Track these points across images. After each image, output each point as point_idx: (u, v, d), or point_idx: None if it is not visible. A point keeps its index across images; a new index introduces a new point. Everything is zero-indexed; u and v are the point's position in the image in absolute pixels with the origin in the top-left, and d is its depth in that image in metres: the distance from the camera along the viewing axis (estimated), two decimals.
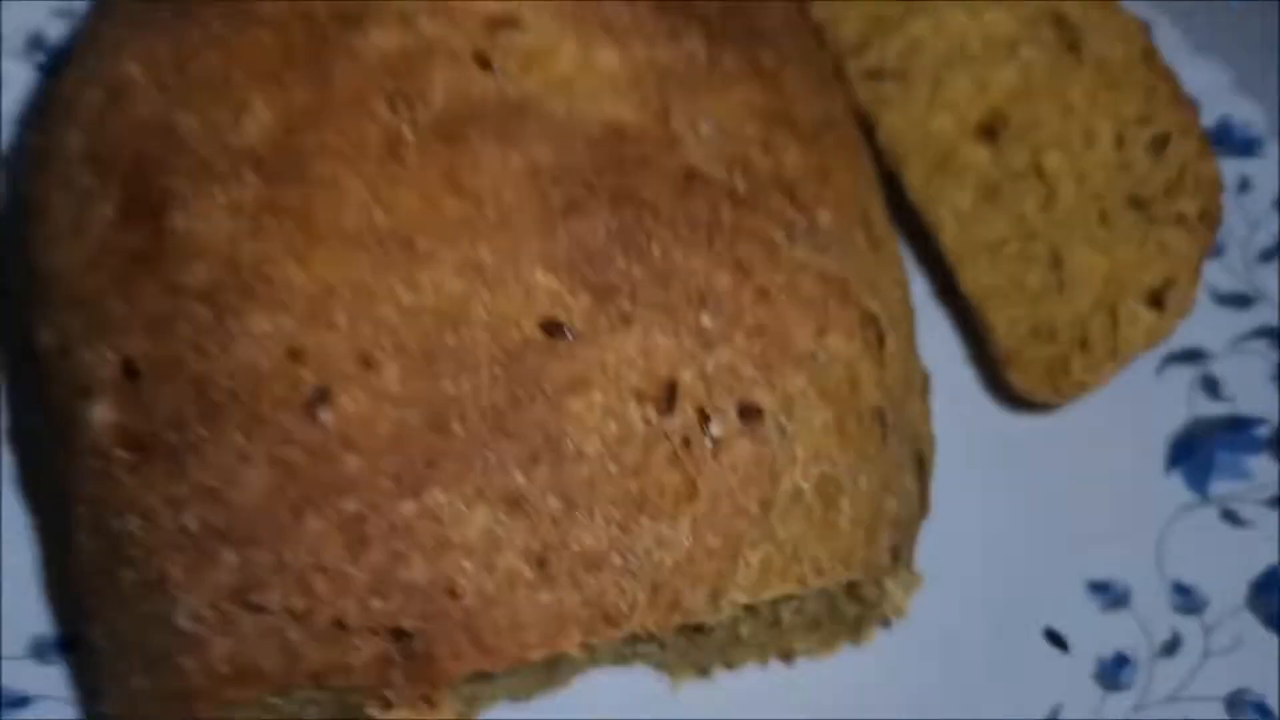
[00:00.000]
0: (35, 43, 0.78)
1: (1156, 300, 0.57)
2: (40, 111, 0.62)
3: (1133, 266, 0.57)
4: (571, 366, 0.45)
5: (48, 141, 0.56)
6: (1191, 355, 0.66)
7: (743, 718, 0.56)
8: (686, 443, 0.45)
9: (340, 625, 0.41)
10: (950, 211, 0.63)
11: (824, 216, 0.55)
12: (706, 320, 0.48)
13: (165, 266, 0.47)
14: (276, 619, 0.42)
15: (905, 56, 0.67)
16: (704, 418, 0.46)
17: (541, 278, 0.46)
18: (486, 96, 0.50)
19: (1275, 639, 0.55)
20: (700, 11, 0.57)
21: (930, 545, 0.56)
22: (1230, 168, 0.73)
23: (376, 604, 0.41)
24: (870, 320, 0.54)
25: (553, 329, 0.45)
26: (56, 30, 0.79)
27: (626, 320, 0.46)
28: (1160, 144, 0.59)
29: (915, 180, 0.64)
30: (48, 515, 0.58)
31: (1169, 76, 0.61)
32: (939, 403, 0.60)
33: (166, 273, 0.47)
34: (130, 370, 0.46)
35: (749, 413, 0.47)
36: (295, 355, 0.44)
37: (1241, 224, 0.71)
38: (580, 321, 0.46)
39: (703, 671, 0.56)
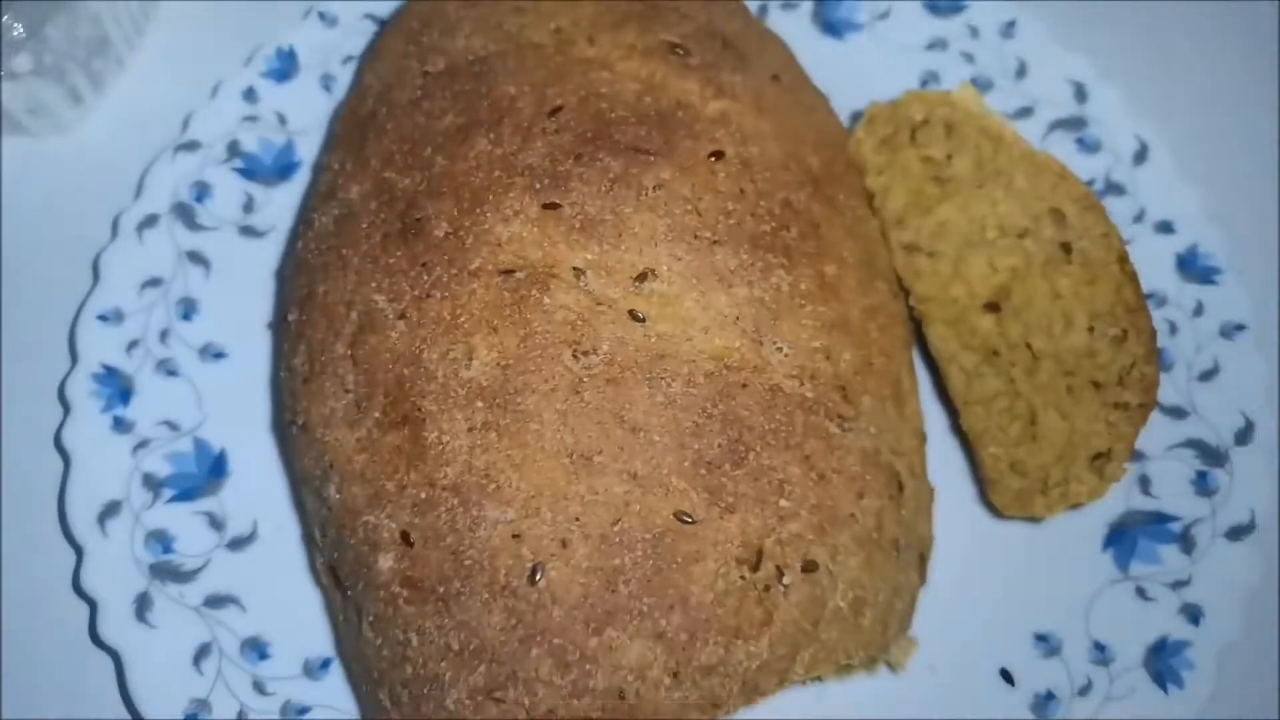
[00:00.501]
0: (233, 149, 0.99)
1: (1098, 463, 0.79)
2: (291, 296, 0.84)
3: (1085, 434, 0.80)
4: (695, 543, 0.69)
5: (314, 338, 0.78)
6: (1135, 456, 0.89)
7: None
8: (767, 588, 0.70)
9: (553, 714, 0.68)
10: (958, 367, 0.85)
11: (866, 402, 0.77)
12: (784, 503, 0.72)
13: (424, 465, 0.71)
14: (511, 708, 0.68)
15: (936, 235, 0.87)
16: (779, 573, 0.71)
17: (675, 482, 0.70)
18: (637, 344, 0.72)
19: (1159, 691, 0.81)
20: (783, 241, 0.78)
21: (921, 604, 0.82)
22: (1189, 292, 0.94)
23: (574, 702, 0.68)
24: (894, 476, 0.77)
25: (682, 516, 0.70)
26: (250, 137, 0.99)
27: (731, 510, 0.70)
28: (1120, 340, 0.80)
29: (935, 338, 0.86)
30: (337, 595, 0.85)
31: (1136, 282, 0.81)
32: (941, 506, 0.84)
33: (426, 470, 0.71)
34: (406, 538, 0.71)
35: (809, 567, 0.71)
36: (517, 537, 0.69)
37: (1190, 345, 0.92)
38: (699, 512, 0.70)
39: None
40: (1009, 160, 0.85)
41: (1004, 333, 0.84)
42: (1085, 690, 0.82)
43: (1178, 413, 0.90)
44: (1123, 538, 0.86)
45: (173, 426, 0.88)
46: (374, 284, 0.76)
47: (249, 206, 0.97)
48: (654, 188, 0.76)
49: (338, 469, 0.74)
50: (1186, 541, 0.85)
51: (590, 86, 0.80)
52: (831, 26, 1.08)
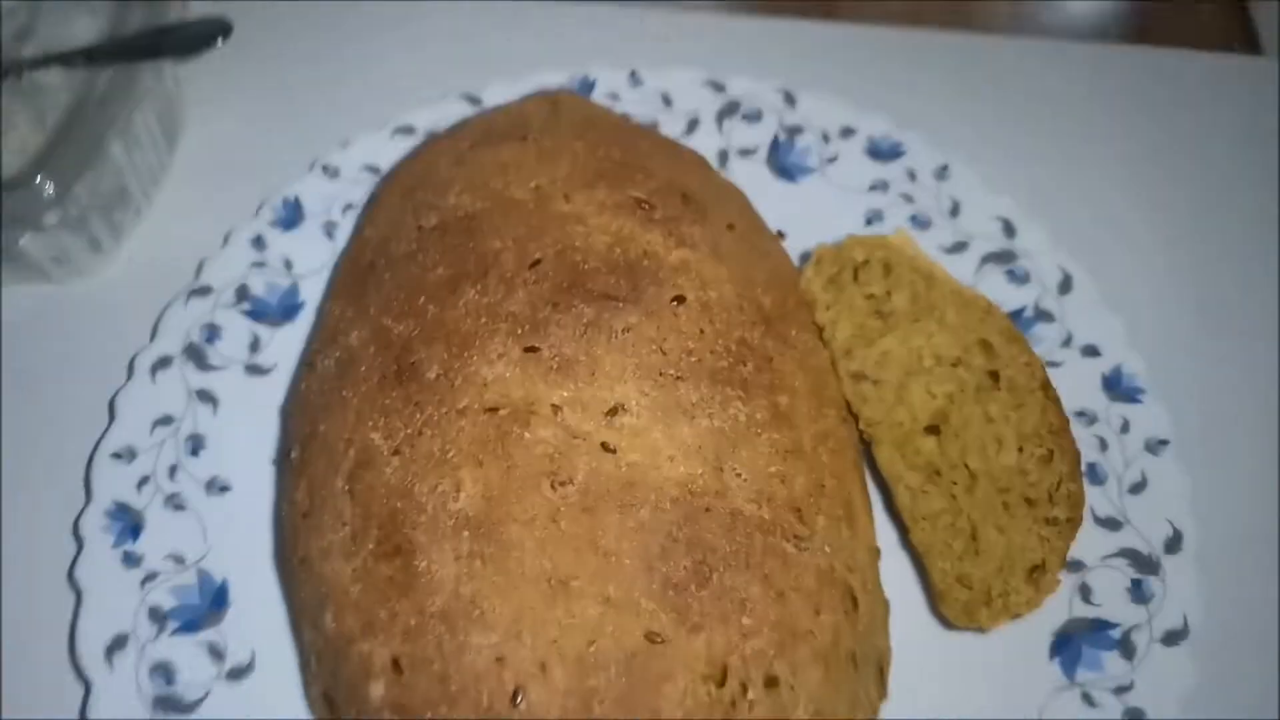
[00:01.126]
0: (242, 293, 1.07)
1: (1035, 575, 0.87)
2: (294, 434, 0.91)
3: (1021, 548, 0.87)
4: (664, 662, 0.76)
5: (315, 473, 0.86)
6: (1075, 565, 0.96)
7: None
8: (733, 704, 0.76)
9: None
10: (905, 486, 0.93)
11: (820, 522, 0.85)
12: (746, 620, 0.78)
13: (415, 594, 0.77)
14: None
15: (879, 365, 0.95)
16: (744, 688, 0.77)
17: (645, 604, 0.77)
18: (610, 474, 0.80)
19: None
20: (740, 375, 0.87)
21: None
22: (1116, 410, 1.03)
23: None
24: (848, 592, 0.84)
25: (653, 637, 0.76)
26: (258, 281, 1.08)
27: (697, 629, 0.77)
28: (1046, 460, 0.89)
29: (883, 459, 0.94)
30: None
31: (1058, 405, 0.89)
32: (897, 619, 0.90)
33: (416, 598, 0.77)
34: (397, 665, 0.77)
35: (770, 683, 0.77)
36: (500, 661, 0.75)
37: (1119, 461, 1.01)
38: (669, 632, 0.76)
39: None
40: (941, 296, 0.95)
41: (944, 453, 0.92)
42: None
43: (1112, 524, 0.97)
44: (1068, 645, 0.92)
45: (178, 560, 0.93)
46: (371, 423, 0.84)
47: (255, 346, 1.05)
48: (623, 330, 0.84)
49: (334, 599, 0.80)
50: (1126, 647, 0.91)
51: (566, 240, 0.89)
52: (785, 171, 1.19)
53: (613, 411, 0.82)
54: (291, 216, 1.12)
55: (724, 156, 1.19)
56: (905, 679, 0.89)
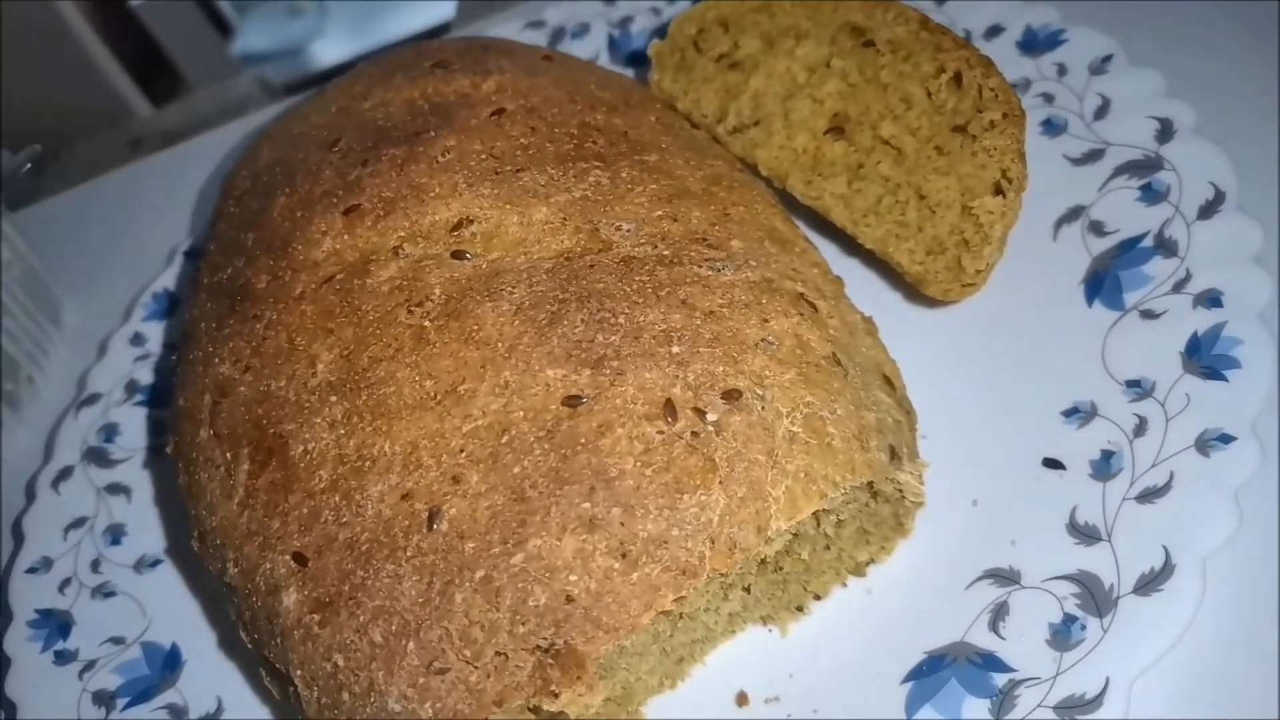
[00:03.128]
0: (131, 388, 1.00)
1: (1000, 191, 0.72)
2: (171, 428, 0.82)
3: (974, 175, 0.73)
4: (594, 419, 0.61)
5: (185, 444, 0.75)
6: (1073, 213, 0.80)
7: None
8: (695, 434, 0.61)
9: (502, 655, 0.57)
10: (833, 197, 0.79)
11: (735, 245, 0.71)
12: (675, 349, 0.64)
13: (299, 482, 0.65)
14: (457, 672, 0.57)
15: (755, 107, 0.85)
16: (699, 413, 0.61)
17: (551, 373, 0.63)
18: (469, 275, 0.68)
19: (1214, 383, 0.67)
20: (592, 149, 0.76)
21: (935, 432, 0.70)
22: (1046, 62, 0.89)
23: (520, 629, 0.57)
24: (798, 298, 0.69)
25: (572, 401, 0.62)
26: (144, 373, 1.01)
27: (620, 374, 0.63)
28: (956, 81, 0.76)
29: (799, 187, 0.81)
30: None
31: (945, 30, 0.77)
32: (888, 333, 0.74)
33: (302, 486, 0.65)
34: (300, 559, 0.63)
35: (730, 395, 0.62)
36: (407, 497, 0.61)
37: (1071, 97, 0.86)
38: (589, 389, 0.62)
39: (799, 609, 0.70)
40: (785, 15, 0.85)
41: (857, 145, 0.79)
42: (1141, 429, 0.68)
43: (1093, 155, 0.82)
44: (1102, 283, 0.76)
45: (118, 641, 0.84)
46: (218, 359, 0.74)
47: (156, 430, 0.97)
48: (442, 154, 0.76)
49: (230, 544, 0.68)
50: (1165, 246, 0.75)
51: (366, 117, 0.82)
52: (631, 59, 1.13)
53: (459, 225, 0.72)
54: (162, 306, 1.07)
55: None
56: (931, 389, 0.72)
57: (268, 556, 0.65)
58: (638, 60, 1.12)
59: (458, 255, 0.70)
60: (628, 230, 0.70)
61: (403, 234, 0.72)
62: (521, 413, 0.62)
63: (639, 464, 0.60)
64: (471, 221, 0.72)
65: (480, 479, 0.60)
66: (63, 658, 0.82)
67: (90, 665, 0.82)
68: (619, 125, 0.80)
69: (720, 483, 0.59)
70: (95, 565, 0.89)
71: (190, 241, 1.12)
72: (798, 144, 0.82)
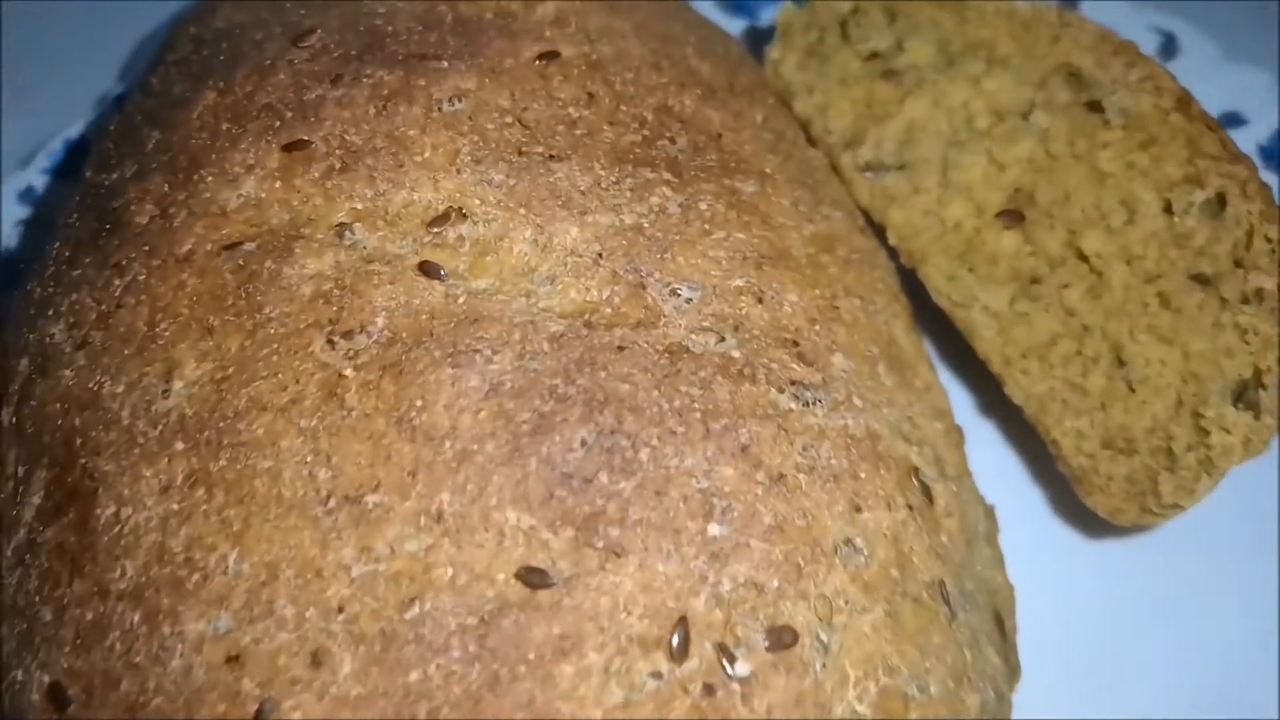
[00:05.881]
0: None
1: (1247, 397, 0.48)
2: None
3: (1210, 358, 0.49)
4: (558, 623, 0.38)
5: None
6: None
7: None
8: (709, 691, 0.38)
9: None
10: (985, 313, 0.55)
11: (838, 361, 0.47)
12: (714, 529, 0.41)
13: (94, 565, 0.42)
14: None
15: (904, 144, 0.60)
16: (725, 655, 0.38)
17: (513, 517, 0.40)
18: (434, 310, 0.44)
19: None
20: (666, 152, 0.51)
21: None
22: None
23: None
24: (911, 474, 0.46)
25: (532, 578, 0.39)
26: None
27: (618, 551, 0.39)
28: (1216, 207, 0.51)
29: (938, 281, 0.57)
30: None
31: (1212, 123, 0.52)
32: (1008, 536, 0.51)
33: (95, 572, 0.41)
34: (56, 696, 0.40)
35: (780, 636, 0.39)
36: (234, 661, 0.38)
37: None
38: (564, 563, 0.39)
39: None
40: (981, 25, 0.59)
41: (1038, 247, 0.55)
42: None
43: None
44: None
45: None
46: (51, 312, 0.50)
47: None
48: (451, 99, 0.50)
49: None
50: None
51: (363, 7, 0.56)
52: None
53: (443, 218, 0.47)
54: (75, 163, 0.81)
55: None
56: (1037, 633, 0.50)
57: (24, 657, 0.42)
58: (750, 16, 0.86)
59: (428, 271, 0.45)
60: (688, 299, 0.46)
61: (359, 207, 0.48)
62: (450, 572, 0.39)
63: None
64: (464, 217, 0.47)
65: (355, 673, 0.37)
66: None
67: None
68: (712, 121, 0.55)
69: None
70: None
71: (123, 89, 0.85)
72: (951, 216, 0.57)
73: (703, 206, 0.50)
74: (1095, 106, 0.55)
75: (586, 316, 0.45)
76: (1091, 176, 0.54)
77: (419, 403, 0.42)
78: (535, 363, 0.43)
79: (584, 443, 0.41)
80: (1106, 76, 0.56)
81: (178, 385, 0.44)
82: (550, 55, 0.53)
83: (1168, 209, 0.52)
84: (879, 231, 0.59)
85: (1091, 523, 0.53)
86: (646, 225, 0.48)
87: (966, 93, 0.59)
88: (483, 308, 0.44)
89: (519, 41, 0.54)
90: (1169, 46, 0.75)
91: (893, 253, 0.59)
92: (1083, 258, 0.53)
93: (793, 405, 0.45)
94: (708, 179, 0.51)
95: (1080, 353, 0.52)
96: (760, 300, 0.48)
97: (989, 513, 0.51)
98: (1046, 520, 0.56)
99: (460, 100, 0.51)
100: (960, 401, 0.55)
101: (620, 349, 0.44)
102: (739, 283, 0.48)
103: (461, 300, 0.45)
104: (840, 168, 0.61)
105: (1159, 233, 0.52)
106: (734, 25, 0.82)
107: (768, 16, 0.85)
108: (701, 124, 0.54)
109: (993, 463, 0.54)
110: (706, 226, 0.49)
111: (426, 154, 0.49)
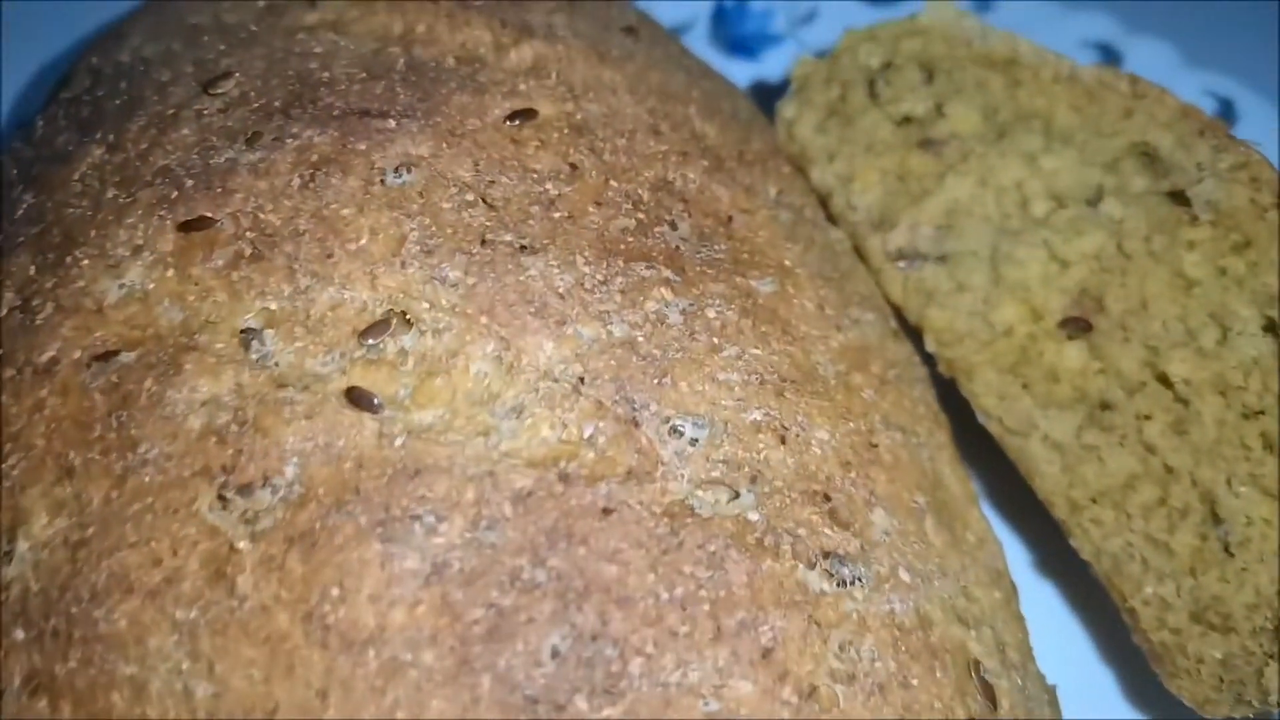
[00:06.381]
0: None
1: None
2: None
3: None
4: None
5: None
6: None
7: None
8: None
9: None
10: (1045, 444, 0.46)
11: (879, 520, 0.38)
12: None
13: None
14: None
15: (946, 230, 0.50)
16: None
17: None
18: (362, 455, 0.34)
19: None
20: (666, 241, 0.42)
21: None
22: None
23: None
24: (971, 669, 0.36)
25: None
26: None
27: None
28: None
29: (986, 400, 0.47)
30: None
31: None
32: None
33: None
34: None
35: None
36: None
37: None
38: None
39: None
40: (1037, 91, 0.50)
41: (1109, 366, 0.45)
42: None
43: None
44: None
45: None
46: None
47: None
48: (398, 169, 0.40)
49: None
50: None
51: (297, 46, 0.46)
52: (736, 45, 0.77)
53: (378, 326, 0.37)
54: None
55: None
56: None
57: None
58: (748, 54, 0.77)
59: (357, 399, 0.35)
60: (692, 440, 0.37)
61: (272, 308, 0.37)
62: None
63: None
64: (408, 325, 0.37)
65: None
66: None
67: None
68: (721, 200, 0.45)
69: None
70: None
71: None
72: (1002, 320, 0.48)
73: (710, 314, 0.40)
74: (1178, 197, 0.46)
75: (562, 465, 0.35)
76: (1174, 282, 0.45)
77: (335, 591, 0.31)
78: (494, 533, 0.33)
79: (555, 652, 0.31)
80: (1190, 161, 0.46)
81: (22, 547, 0.33)
82: (525, 114, 0.43)
83: (1270, 328, 0.43)
84: (912, 333, 0.50)
85: (1174, 711, 0.43)
86: (641, 339, 0.38)
87: (1021, 172, 0.49)
88: (427, 453, 0.34)
89: (487, 96, 0.43)
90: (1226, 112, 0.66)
91: (928, 357, 0.49)
92: (1166, 383, 0.44)
93: (826, 587, 0.35)
94: (717, 276, 0.41)
95: (1165, 502, 0.43)
96: (783, 440, 0.38)
97: (1052, 699, 0.42)
98: (1119, 707, 0.46)
99: (409, 170, 0.40)
100: (1013, 554, 0.45)
101: (606, 512, 0.34)
102: (756, 416, 0.38)
103: (400, 442, 0.34)
104: (867, 253, 0.51)
105: (1261, 359, 0.43)
106: (734, 72, 0.73)
107: (774, 63, 0.76)
108: (708, 204, 0.44)
109: (1053, 632, 0.44)
110: (715, 340, 0.39)
111: (363, 240, 0.38)
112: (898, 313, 0.50)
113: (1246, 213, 0.45)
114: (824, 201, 0.54)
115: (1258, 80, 0.68)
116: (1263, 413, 0.42)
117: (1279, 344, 0.42)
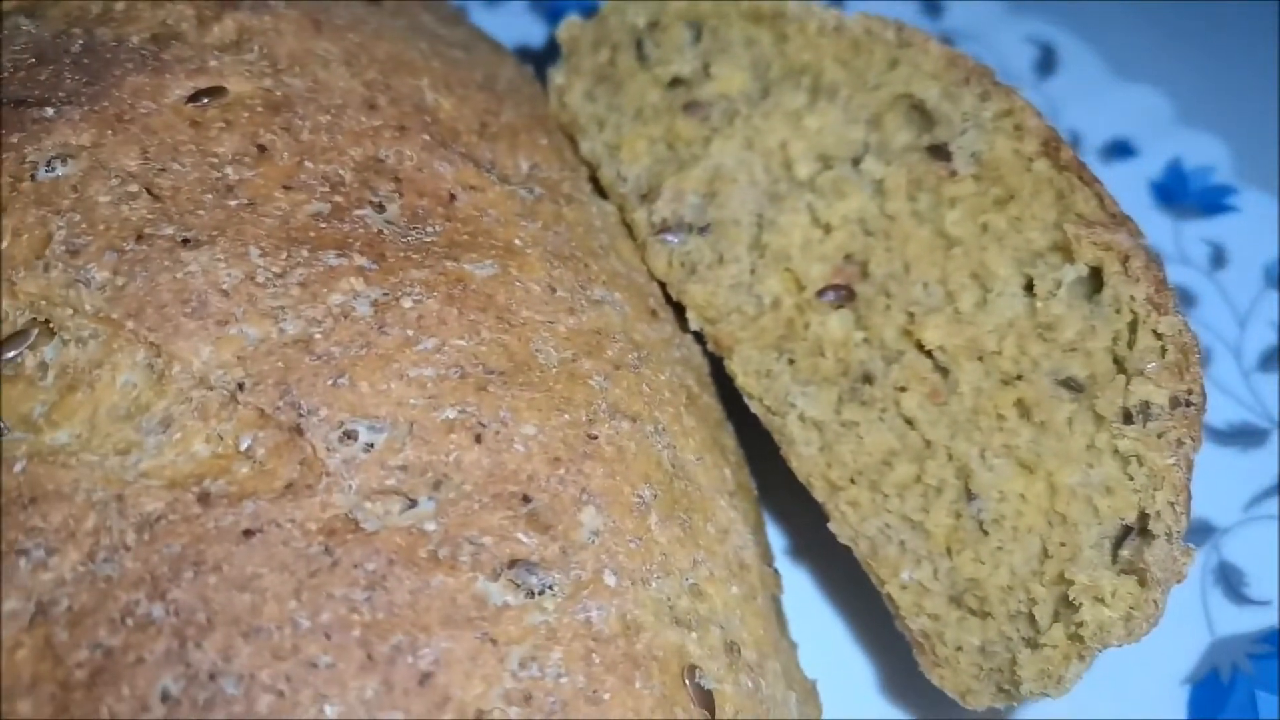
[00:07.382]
0: None
1: (1128, 547, 0.36)
2: None
3: (1082, 494, 0.37)
4: None
5: None
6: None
7: None
8: None
9: None
10: (802, 421, 0.43)
11: (588, 519, 0.35)
12: None
13: None
14: None
15: (710, 198, 0.47)
16: None
17: None
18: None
19: None
20: (366, 226, 0.38)
21: None
22: (1192, 232, 0.55)
23: None
24: (684, 677, 0.34)
25: None
26: None
27: None
28: (1090, 286, 0.39)
29: (746, 379, 0.44)
30: None
31: (1086, 175, 0.41)
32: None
33: None
34: None
35: None
36: None
37: (1228, 318, 0.52)
38: None
39: None
40: (806, 47, 0.47)
41: (872, 334, 0.43)
42: None
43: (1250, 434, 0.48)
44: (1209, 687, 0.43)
45: None
46: None
47: None
48: (51, 161, 0.36)
49: None
50: None
51: None
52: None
53: (17, 336, 0.34)
54: None
55: None
56: None
57: None
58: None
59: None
60: (366, 446, 0.33)
61: None
62: None
63: None
64: (49, 335, 0.34)
65: None
66: None
67: None
68: (444, 178, 0.42)
69: None
70: None
71: None
72: (766, 292, 0.45)
73: (407, 304, 0.36)
74: (939, 151, 0.43)
75: (206, 484, 0.31)
76: (936, 243, 0.42)
77: None
78: (110, 565, 0.29)
79: (166, 695, 0.28)
80: (955, 111, 0.44)
81: None
82: (212, 93, 0.39)
83: (1030, 288, 0.40)
84: (677, 316, 0.47)
85: (938, 704, 0.41)
86: (319, 336, 0.35)
87: (785, 132, 0.46)
88: (49, 478, 0.30)
89: (168, 76, 0.39)
90: (1047, 61, 0.64)
91: (699, 339, 0.46)
92: (923, 350, 0.41)
93: (510, 599, 0.32)
94: (422, 262, 0.38)
95: (920, 479, 0.40)
96: (479, 439, 0.34)
97: (810, 694, 0.39)
98: (877, 702, 0.44)
99: (66, 162, 0.36)
100: (775, 540, 0.42)
101: (248, 534, 0.30)
102: (450, 414, 0.35)
103: (19, 468, 0.31)
104: (635, 227, 0.48)
105: (1018, 320, 0.40)
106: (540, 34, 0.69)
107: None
108: (426, 182, 0.41)
109: (812, 623, 0.42)
110: (410, 332, 0.36)
111: (4, 243, 0.34)
112: (664, 289, 0.47)
113: (1010, 164, 0.42)
114: (594, 175, 0.51)
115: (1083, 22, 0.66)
116: (1020, 378, 0.40)
117: (1035, 303, 0.40)
